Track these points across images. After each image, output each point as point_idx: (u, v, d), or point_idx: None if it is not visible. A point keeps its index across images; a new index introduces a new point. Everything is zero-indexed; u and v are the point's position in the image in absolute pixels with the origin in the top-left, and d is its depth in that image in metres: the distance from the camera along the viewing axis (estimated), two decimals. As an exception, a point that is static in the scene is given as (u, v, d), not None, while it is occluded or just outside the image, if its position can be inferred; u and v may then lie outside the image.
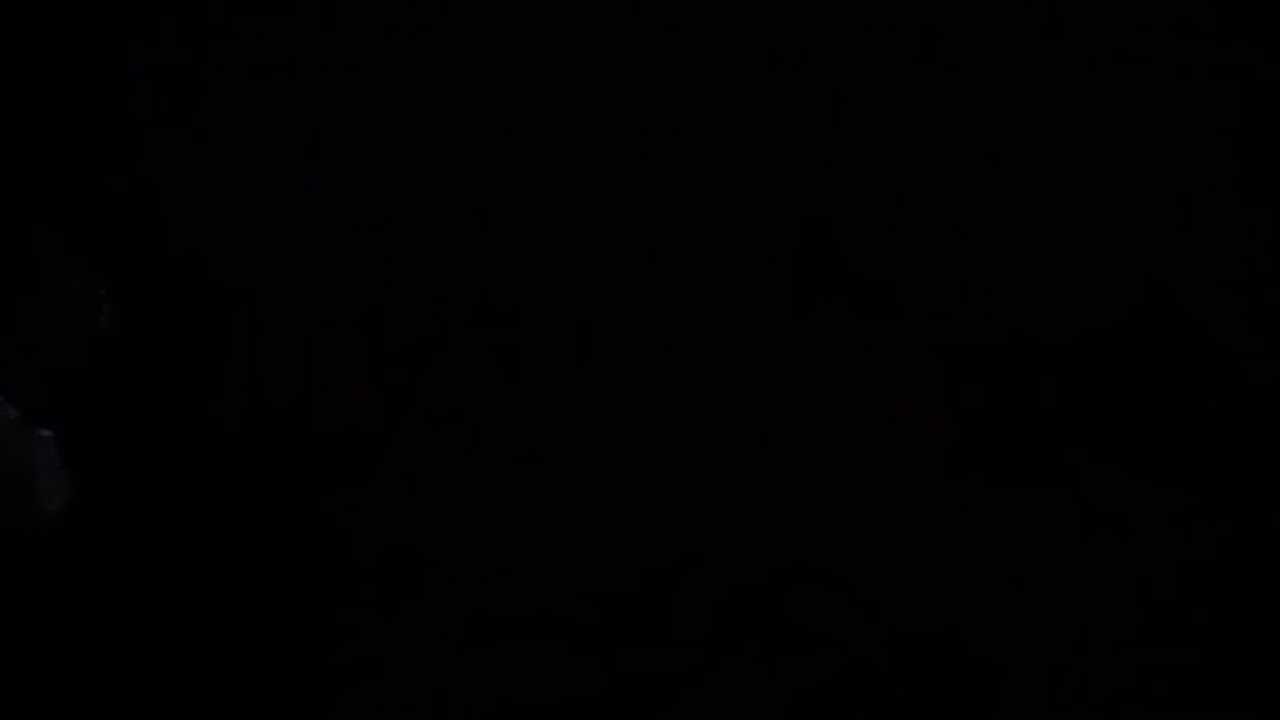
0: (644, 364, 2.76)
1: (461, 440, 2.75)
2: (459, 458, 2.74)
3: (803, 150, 2.76)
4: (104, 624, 2.64)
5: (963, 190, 2.75)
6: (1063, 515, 2.72)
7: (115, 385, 2.70)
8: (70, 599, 2.64)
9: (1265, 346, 2.73)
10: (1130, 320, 2.74)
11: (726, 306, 2.76)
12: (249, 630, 2.68)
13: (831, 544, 2.73)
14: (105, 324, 2.69)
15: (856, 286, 2.76)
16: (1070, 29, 2.74)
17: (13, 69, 2.71)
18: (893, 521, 2.73)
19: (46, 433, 2.61)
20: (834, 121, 2.76)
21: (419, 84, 2.76)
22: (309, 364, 2.74)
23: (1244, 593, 2.69)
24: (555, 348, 2.76)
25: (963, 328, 2.75)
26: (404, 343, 2.76)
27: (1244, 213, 2.74)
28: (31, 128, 2.71)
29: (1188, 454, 2.73)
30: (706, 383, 2.76)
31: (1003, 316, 2.75)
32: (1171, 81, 2.73)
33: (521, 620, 2.71)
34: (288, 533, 2.72)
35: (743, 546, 2.73)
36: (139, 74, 2.73)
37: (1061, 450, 2.73)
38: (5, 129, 2.70)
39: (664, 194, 2.77)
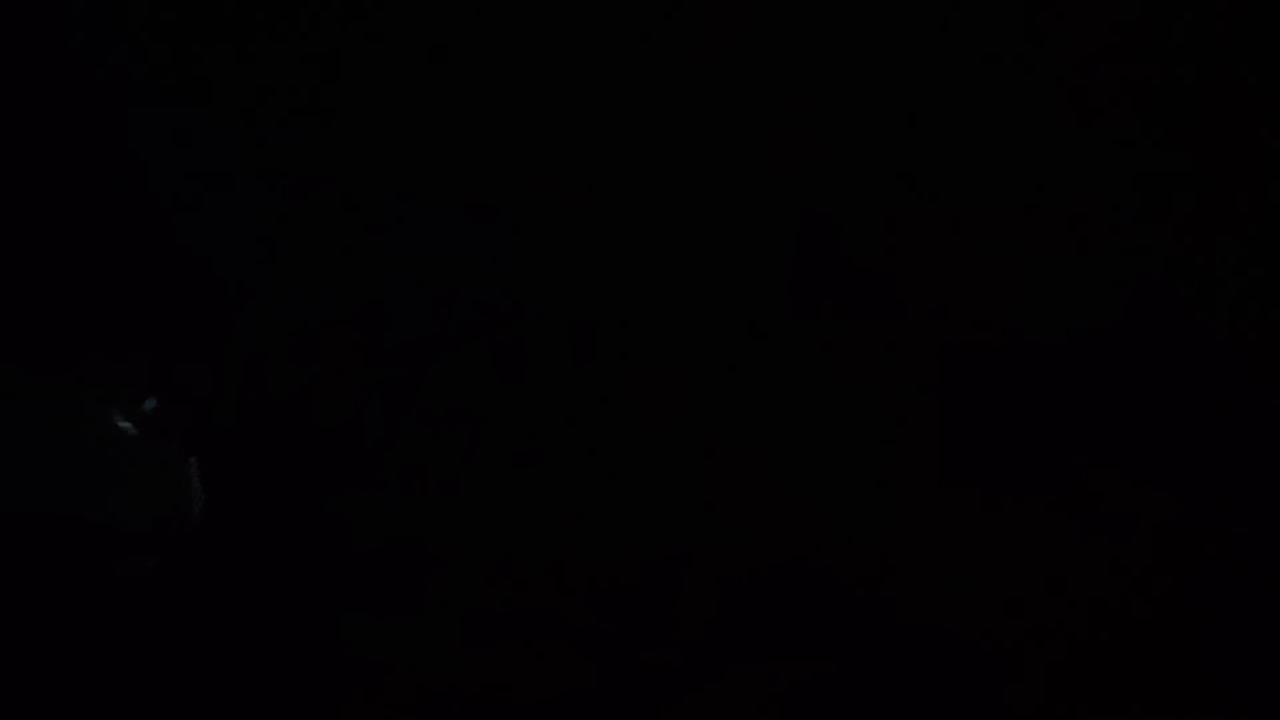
0: (644, 364, 2.76)
1: (461, 440, 2.75)
2: (459, 458, 2.74)
3: (803, 150, 2.77)
4: (104, 624, 2.64)
5: (963, 190, 2.76)
6: (1063, 515, 2.72)
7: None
8: (70, 599, 2.64)
9: (1265, 347, 2.73)
10: (1130, 321, 2.75)
11: (726, 307, 2.77)
12: (249, 630, 2.68)
13: (831, 544, 2.73)
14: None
15: (857, 286, 2.76)
16: (1070, 29, 2.74)
17: (12, 69, 2.71)
18: (893, 522, 2.73)
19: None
20: (834, 121, 2.76)
21: (419, 84, 2.76)
22: (309, 364, 2.74)
23: (1243, 593, 2.70)
24: (555, 348, 2.76)
25: (962, 328, 2.75)
26: (404, 343, 2.76)
27: (1244, 213, 2.74)
28: (31, 127, 2.71)
29: (1187, 454, 2.73)
30: (706, 383, 2.76)
31: (1003, 317, 2.75)
32: (1172, 81, 2.74)
33: (521, 620, 2.71)
34: (288, 533, 2.72)
35: (743, 547, 2.74)
36: (139, 74, 2.73)
37: (1061, 450, 2.74)
38: (5, 129, 2.71)
39: (664, 194, 2.77)
